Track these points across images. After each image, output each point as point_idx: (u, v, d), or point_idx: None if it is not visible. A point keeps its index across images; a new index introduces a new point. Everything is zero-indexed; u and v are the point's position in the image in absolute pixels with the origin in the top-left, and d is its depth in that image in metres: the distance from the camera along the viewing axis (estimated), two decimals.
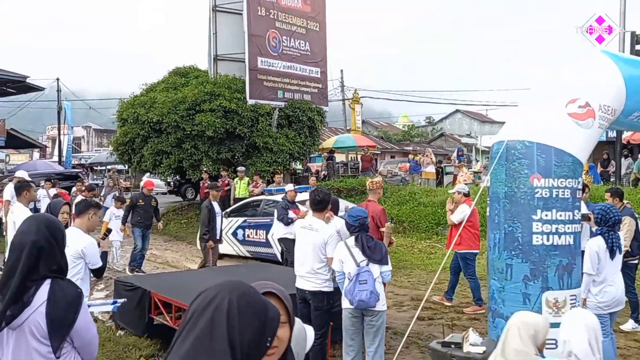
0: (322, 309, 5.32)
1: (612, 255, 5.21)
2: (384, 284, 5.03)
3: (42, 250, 2.49)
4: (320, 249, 5.24)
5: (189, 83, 18.24)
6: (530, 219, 4.37)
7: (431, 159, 18.30)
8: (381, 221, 7.64)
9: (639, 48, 14.34)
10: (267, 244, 11.93)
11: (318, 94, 19.76)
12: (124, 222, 11.22)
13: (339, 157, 23.75)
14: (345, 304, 4.97)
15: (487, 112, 62.11)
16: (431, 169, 17.89)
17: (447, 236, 9.77)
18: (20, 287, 2.42)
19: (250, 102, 17.13)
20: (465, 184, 17.22)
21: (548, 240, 4.36)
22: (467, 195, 8.48)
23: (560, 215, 4.38)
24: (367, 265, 4.84)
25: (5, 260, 2.60)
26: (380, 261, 4.88)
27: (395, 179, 19.50)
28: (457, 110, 61.96)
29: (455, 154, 20.22)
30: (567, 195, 4.41)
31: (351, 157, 23.45)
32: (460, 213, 8.09)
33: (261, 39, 17.66)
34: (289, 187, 10.96)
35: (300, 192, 13.08)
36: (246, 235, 12.65)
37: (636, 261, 7.51)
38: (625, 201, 7.72)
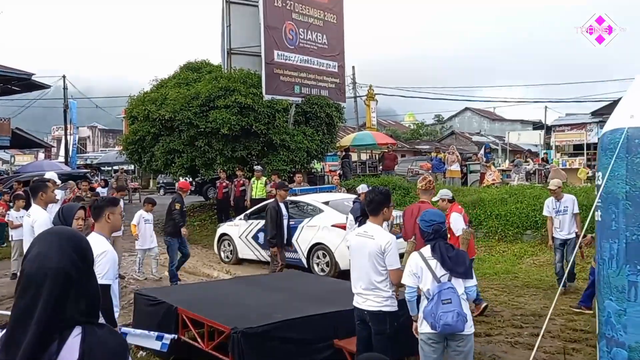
0: (384, 332, 4.45)
1: None
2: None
3: (70, 282, 1.66)
4: (376, 259, 4.38)
5: (201, 78, 17.43)
6: None
7: (457, 156, 17.45)
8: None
9: None
10: (292, 249, 11.08)
11: (335, 89, 18.92)
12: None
13: (354, 156, 22.91)
14: (424, 327, 4.12)
15: (494, 109, 61.80)
16: (456, 167, 17.04)
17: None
18: (37, 341, 1.59)
19: (267, 97, 16.30)
20: (494, 183, 16.53)
21: None
22: (451, 201, 7.68)
23: None
24: (450, 280, 4.01)
25: (14, 300, 1.72)
26: (464, 274, 4.05)
27: (418, 178, 18.65)
28: (466, 108, 61.76)
29: (482, 152, 19.36)
30: None
31: (369, 155, 22.57)
32: (458, 224, 7.24)
33: (277, 31, 16.82)
34: (363, 187, 9.31)
35: (324, 192, 12.32)
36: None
37: None
38: None
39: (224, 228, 12.53)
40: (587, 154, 23.16)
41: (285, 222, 9.39)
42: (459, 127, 59.82)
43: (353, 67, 34.61)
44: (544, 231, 12.60)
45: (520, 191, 13.94)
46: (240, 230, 12.24)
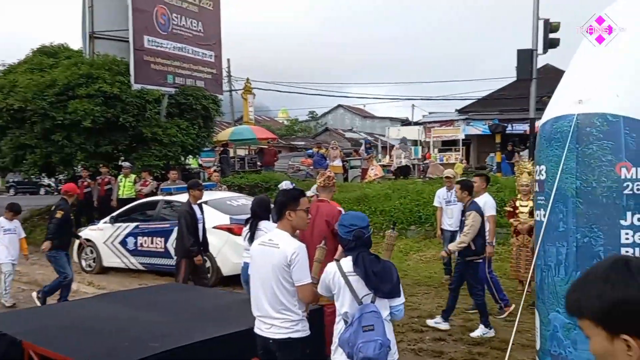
0: None
1: None
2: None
3: None
4: (282, 273, 3.54)
5: (58, 64, 15.42)
6: (617, 225, 3.08)
7: (340, 151, 17.10)
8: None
9: (552, 36, 14.13)
10: (167, 254, 9.91)
11: (212, 80, 17.77)
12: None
13: (231, 152, 21.80)
14: (339, 356, 3.36)
15: (364, 106, 63.79)
16: (338, 162, 16.68)
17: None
18: None
19: (136, 86, 14.83)
20: (376, 178, 16.39)
21: None
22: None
23: None
24: (373, 301, 3.28)
25: None
26: (390, 294, 3.34)
27: (300, 174, 18.08)
28: (339, 105, 63.01)
29: (363, 147, 19.19)
30: None
31: (247, 151, 21.55)
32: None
33: (147, 14, 15.33)
34: (287, 184, 8.08)
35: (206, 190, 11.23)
36: (139, 244, 10.50)
37: (480, 260, 6.93)
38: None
39: (85, 233, 10.95)
40: (454, 149, 24.18)
41: (200, 226, 8.15)
42: (332, 123, 60.83)
43: (228, 60, 33.43)
44: (427, 226, 12.58)
45: (403, 186, 13.85)
46: (105, 235, 10.81)
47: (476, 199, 7.18)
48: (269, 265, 3.55)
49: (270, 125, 54.57)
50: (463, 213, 6.90)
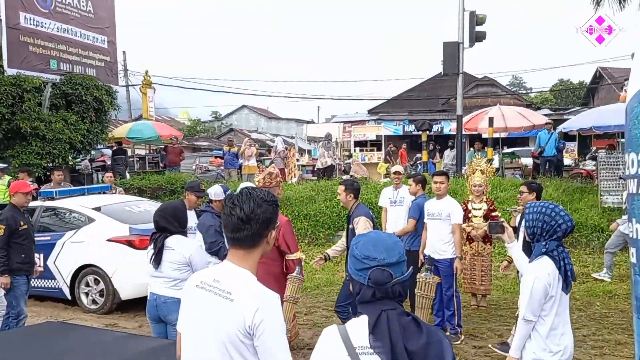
0: None
1: (566, 285, 3.13)
2: None
3: None
4: (236, 347, 1.98)
5: None
6: None
7: (256, 149, 15.48)
8: (288, 241, 4.62)
9: (479, 29, 13.45)
10: (47, 274, 7.89)
11: (105, 69, 15.57)
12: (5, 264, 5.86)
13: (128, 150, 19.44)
14: None
15: (268, 107, 62.99)
16: (254, 162, 15.08)
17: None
18: None
19: (11, 72, 12.53)
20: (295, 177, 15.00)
21: None
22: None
23: None
24: None
25: None
26: None
27: (210, 175, 16.26)
28: (244, 106, 61.97)
29: (280, 146, 17.59)
30: None
31: (148, 149, 19.27)
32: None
33: None
34: (217, 191, 5.84)
35: (95, 194, 9.27)
36: None
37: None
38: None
39: None
40: (367, 148, 23.71)
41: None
42: (237, 124, 59.64)
43: (124, 52, 30.81)
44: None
45: (328, 187, 12.56)
46: None
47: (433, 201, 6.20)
48: (213, 328, 1.98)
49: (172, 126, 51.79)
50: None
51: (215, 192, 5.75)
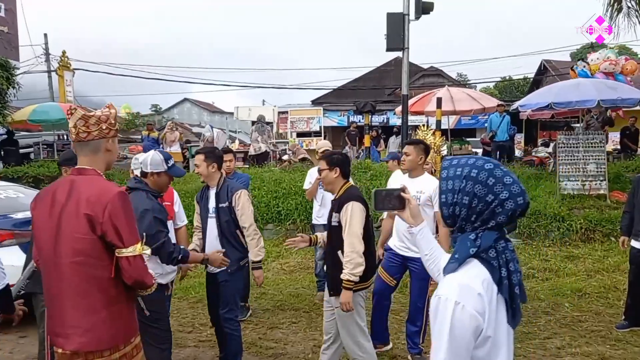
0: None
1: (513, 314, 1.57)
2: None
3: None
4: None
5: None
6: None
7: (181, 134, 13.72)
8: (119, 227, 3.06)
9: (425, 0, 12.14)
10: None
11: (3, 41, 13.46)
12: None
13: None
14: None
15: (213, 102, 61.62)
16: (177, 148, 13.32)
17: None
18: None
19: None
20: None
21: None
22: None
23: None
24: None
25: None
26: None
27: (125, 164, 14.35)
28: (185, 99, 60.34)
29: (212, 133, 15.79)
30: None
31: (58, 137, 16.94)
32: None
33: None
34: (153, 160, 3.93)
35: None
36: None
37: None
38: None
39: None
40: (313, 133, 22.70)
41: None
42: (179, 118, 57.66)
43: (45, 35, 28.23)
44: (289, 224, 9.88)
45: (257, 175, 11.00)
46: None
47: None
48: None
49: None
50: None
51: (152, 161, 3.76)
